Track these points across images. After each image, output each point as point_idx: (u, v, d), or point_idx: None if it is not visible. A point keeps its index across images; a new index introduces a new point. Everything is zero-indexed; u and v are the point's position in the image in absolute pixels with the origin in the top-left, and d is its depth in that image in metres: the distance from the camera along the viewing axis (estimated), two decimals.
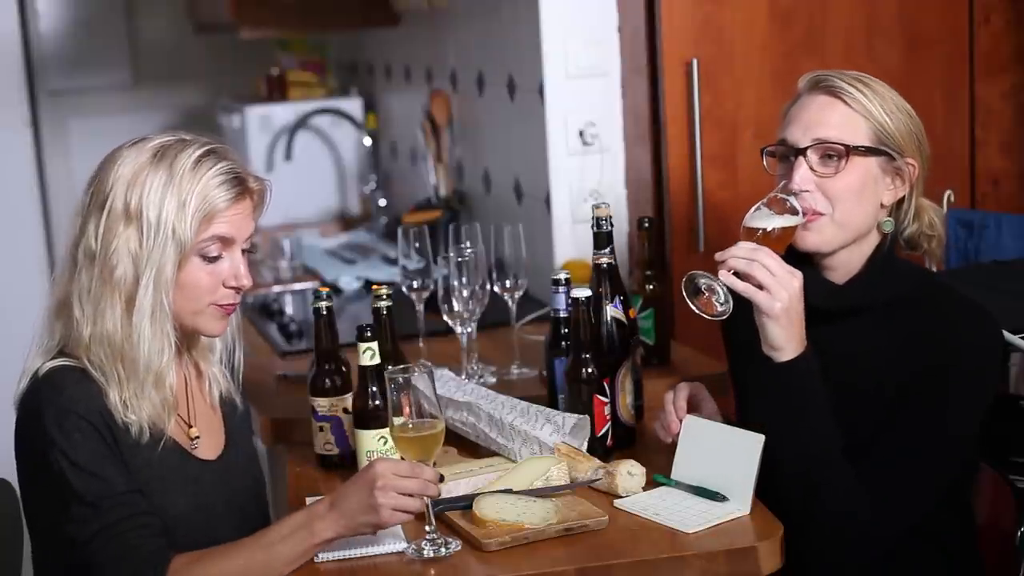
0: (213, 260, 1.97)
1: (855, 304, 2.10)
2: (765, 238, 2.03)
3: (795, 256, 2.09)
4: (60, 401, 1.89)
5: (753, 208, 2.05)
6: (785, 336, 2.00)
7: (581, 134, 3.15)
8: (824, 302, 2.10)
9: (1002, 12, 3.09)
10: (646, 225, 2.72)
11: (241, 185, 1.97)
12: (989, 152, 3.15)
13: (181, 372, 2.06)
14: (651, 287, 2.71)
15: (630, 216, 3.15)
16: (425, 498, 1.92)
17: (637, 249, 2.82)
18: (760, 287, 1.98)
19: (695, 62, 2.96)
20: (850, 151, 2.05)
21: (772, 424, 2.02)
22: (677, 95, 2.99)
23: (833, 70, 2.14)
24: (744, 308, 2.04)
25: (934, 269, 2.41)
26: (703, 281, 2.03)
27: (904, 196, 2.12)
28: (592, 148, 3.16)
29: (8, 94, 4.96)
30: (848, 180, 2.06)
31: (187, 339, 2.06)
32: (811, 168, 2.07)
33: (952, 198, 2.93)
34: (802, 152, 2.08)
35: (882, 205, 2.10)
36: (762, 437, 2.05)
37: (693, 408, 2.18)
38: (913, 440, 2.01)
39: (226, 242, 1.97)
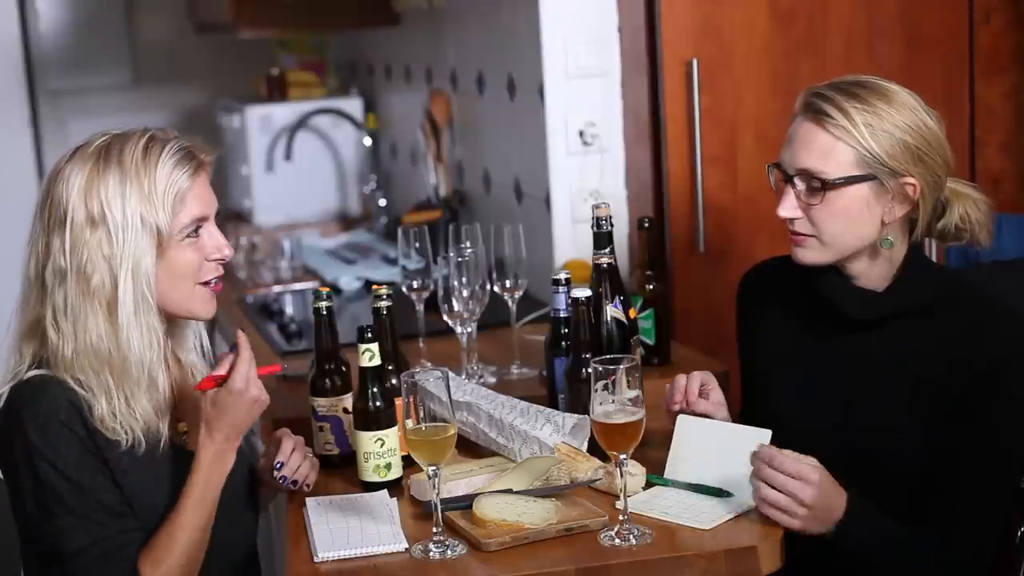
0: (194, 237, 1.98)
1: (886, 313, 2.10)
2: (620, 428, 1.97)
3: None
4: (40, 408, 1.88)
5: (595, 401, 1.97)
6: (823, 520, 1.96)
7: (581, 134, 3.14)
8: (858, 312, 2.11)
9: (1002, 12, 3.09)
10: (646, 225, 2.73)
11: (195, 159, 1.98)
12: (989, 152, 3.14)
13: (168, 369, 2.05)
14: (651, 287, 2.71)
15: (630, 216, 3.15)
16: (434, 500, 1.94)
17: (637, 249, 2.82)
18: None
19: (695, 62, 2.96)
20: (827, 186, 2.04)
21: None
22: (677, 95, 2.99)
23: (833, 81, 2.10)
24: (773, 311, 2.11)
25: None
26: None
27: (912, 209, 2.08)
28: (592, 148, 3.15)
29: (8, 94, 4.97)
30: (832, 209, 2.05)
31: (164, 332, 2.05)
32: (798, 196, 2.07)
33: None
34: (790, 180, 2.08)
35: (884, 223, 2.07)
36: (769, 432, 2.05)
37: (703, 395, 2.18)
38: (973, 466, 2.02)
39: (201, 219, 1.99)
